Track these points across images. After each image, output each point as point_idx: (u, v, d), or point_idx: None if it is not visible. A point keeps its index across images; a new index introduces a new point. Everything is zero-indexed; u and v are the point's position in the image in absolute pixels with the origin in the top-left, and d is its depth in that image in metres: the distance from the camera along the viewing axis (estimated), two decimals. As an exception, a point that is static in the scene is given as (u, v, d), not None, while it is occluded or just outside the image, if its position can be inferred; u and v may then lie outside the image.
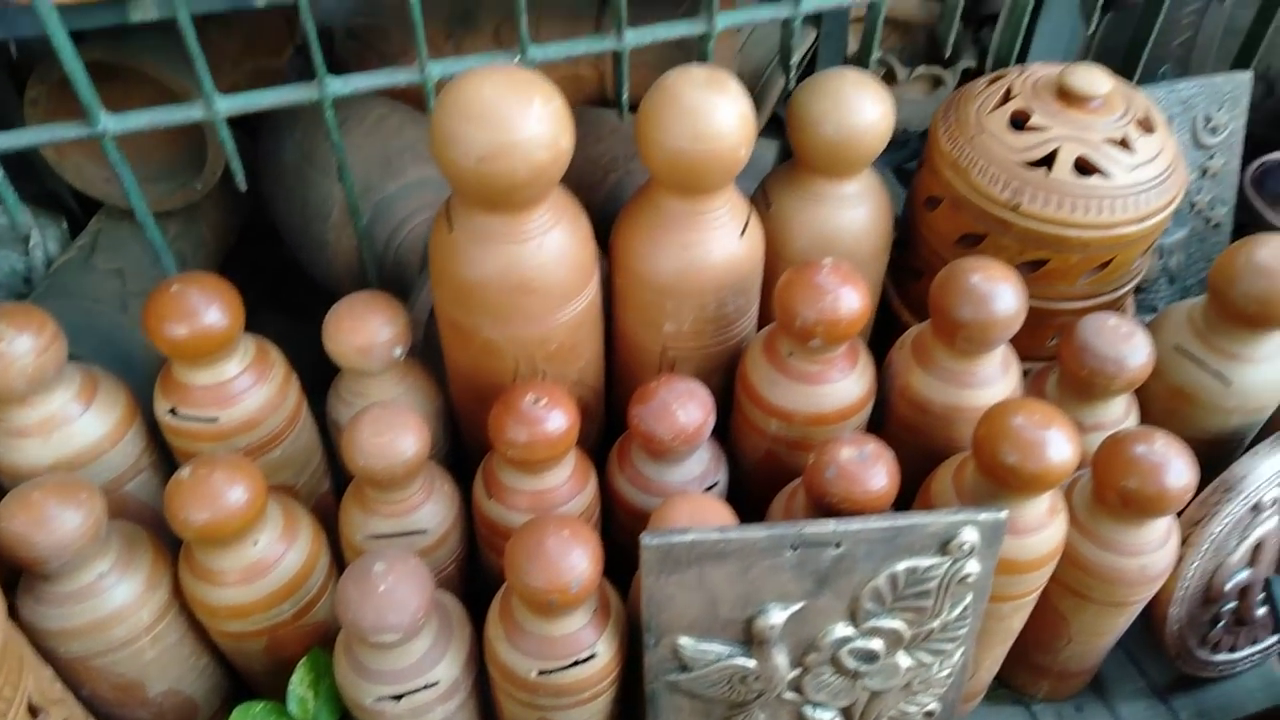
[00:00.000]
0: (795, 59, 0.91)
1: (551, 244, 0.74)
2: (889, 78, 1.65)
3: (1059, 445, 0.67)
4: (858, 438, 0.72)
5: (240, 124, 1.34)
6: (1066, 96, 0.82)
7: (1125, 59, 1.05)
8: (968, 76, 1.61)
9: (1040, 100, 0.83)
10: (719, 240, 0.79)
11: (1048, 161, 0.81)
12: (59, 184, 1.14)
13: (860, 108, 0.81)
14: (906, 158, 1.84)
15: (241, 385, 0.78)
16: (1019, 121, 0.84)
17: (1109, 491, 0.73)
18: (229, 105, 0.76)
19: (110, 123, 0.74)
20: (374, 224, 1.11)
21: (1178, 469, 0.71)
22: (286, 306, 1.28)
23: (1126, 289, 0.90)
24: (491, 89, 0.67)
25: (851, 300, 0.74)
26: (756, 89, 1.56)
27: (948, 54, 0.94)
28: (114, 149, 0.76)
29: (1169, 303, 1.13)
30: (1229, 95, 1.06)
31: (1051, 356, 0.92)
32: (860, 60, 0.96)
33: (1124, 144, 0.81)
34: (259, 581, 0.73)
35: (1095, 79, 0.81)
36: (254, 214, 1.30)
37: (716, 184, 0.76)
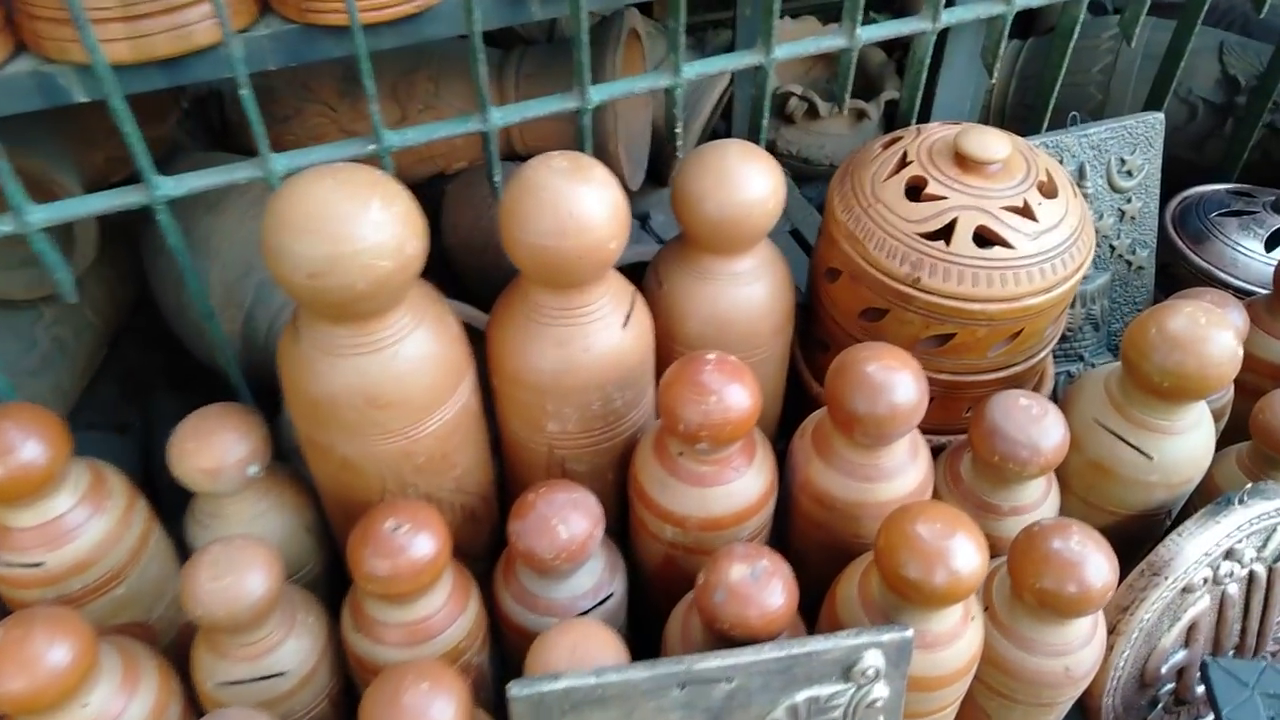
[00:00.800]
0: (679, 127, 0.85)
1: (409, 352, 0.68)
2: (811, 112, 1.60)
3: (965, 555, 0.62)
4: (750, 552, 0.66)
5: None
6: (963, 162, 0.77)
7: (1034, 104, 1.01)
8: (892, 108, 1.57)
9: (937, 166, 0.78)
10: (599, 334, 0.72)
11: (947, 233, 0.76)
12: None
13: (745, 184, 0.75)
14: (834, 194, 1.80)
15: (73, 522, 0.70)
16: (916, 189, 0.78)
17: (1025, 591, 0.67)
18: (44, 216, 0.68)
19: (35, 216, 0.65)
20: (255, 308, 1.04)
21: (1096, 566, 0.66)
22: (187, 383, 1.19)
23: (1041, 355, 0.85)
24: (322, 195, 0.61)
25: (739, 399, 0.68)
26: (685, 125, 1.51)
27: (843, 110, 0.89)
28: (41, 241, 0.67)
29: (1095, 351, 1.09)
30: (1142, 137, 1.02)
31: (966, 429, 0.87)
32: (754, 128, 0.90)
33: (1025, 211, 0.76)
34: (92, 747, 0.65)
35: (991, 143, 0.77)
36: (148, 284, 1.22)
37: (588, 279, 0.70)
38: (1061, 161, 1.00)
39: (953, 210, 0.76)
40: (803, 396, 0.94)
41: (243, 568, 0.66)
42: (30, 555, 0.68)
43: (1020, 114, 1.49)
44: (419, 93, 1.29)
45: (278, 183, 0.73)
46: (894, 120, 1.54)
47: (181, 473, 0.73)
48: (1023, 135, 1.01)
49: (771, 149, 1.70)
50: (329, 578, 0.85)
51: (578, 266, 0.68)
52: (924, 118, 1.00)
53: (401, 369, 0.67)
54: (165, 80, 0.71)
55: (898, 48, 1.74)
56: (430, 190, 1.29)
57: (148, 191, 0.70)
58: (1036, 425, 0.72)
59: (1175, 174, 1.15)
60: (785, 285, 0.84)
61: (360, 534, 0.67)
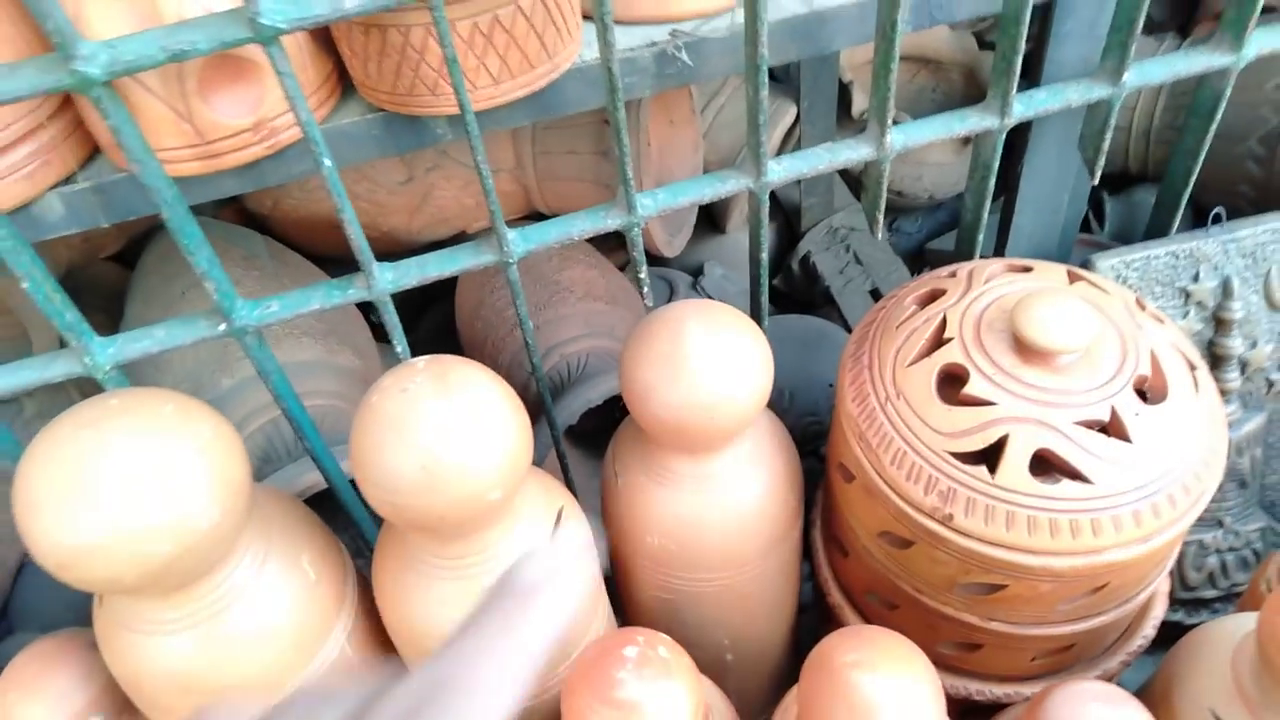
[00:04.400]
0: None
1: (236, 623, 0.51)
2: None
3: None
4: None
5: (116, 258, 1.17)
6: (1022, 348, 0.54)
7: (1159, 203, 0.74)
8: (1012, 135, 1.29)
9: (984, 349, 0.55)
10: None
11: (992, 455, 0.53)
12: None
13: (707, 377, 0.54)
14: (934, 230, 1.53)
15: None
16: (954, 380, 0.55)
17: None
18: None
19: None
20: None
21: None
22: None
23: (1141, 597, 0.61)
24: (76, 454, 0.45)
25: (665, 714, 0.48)
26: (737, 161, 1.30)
27: (876, 234, 0.66)
28: None
29: (1240, 515, 0.82)
30: (1319, 236, 0.74)
31: (1038, 674, 0.64)
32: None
33: (1114, 427, 0.52)
34: None
35: (1066, 323, 0.52)
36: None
37: (472, 531, 0.52)
38: (1198, 277, 0.73)
39: (1002, 423, 0.52)
40: (823, 598, 0.72)
41: None
42: None
43: (1169, 154, 1.18)
44: (426, 150, 1.13)
45: (104, 376, 0.57)
46: (1012, 153, 1.26)
47: (5, 728, 0.60)
48: (1155, 227, 0.75)
49: (859, 183, 1.45)
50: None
51: (446, 523, 0.50)
52: (1005, 223, 0.74)
53: (225, 647, 0.51)
54: None
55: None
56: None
57: (87, 360, 0.55)
58: (1116, 750, 0.49)
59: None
60: (783, 486, 0.63)
61: None
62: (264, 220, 1.16)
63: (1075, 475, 0.52)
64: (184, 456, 0.46)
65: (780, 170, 0.61)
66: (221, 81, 0.53)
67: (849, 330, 1.22)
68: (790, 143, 1.31)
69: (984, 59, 1.41)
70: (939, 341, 0.57)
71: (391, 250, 1.14)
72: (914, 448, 0.54)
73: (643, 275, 0.64)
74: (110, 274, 1.21)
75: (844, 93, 1.32)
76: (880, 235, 0.66)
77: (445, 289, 1.28)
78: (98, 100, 0.46)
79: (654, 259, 1.27)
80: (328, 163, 0.52)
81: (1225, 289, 0.73)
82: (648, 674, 0.49)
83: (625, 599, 0.70)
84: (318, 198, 1.11)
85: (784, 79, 1.35)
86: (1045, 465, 0.52)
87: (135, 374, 0.88)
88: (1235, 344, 0.75)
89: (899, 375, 0.56)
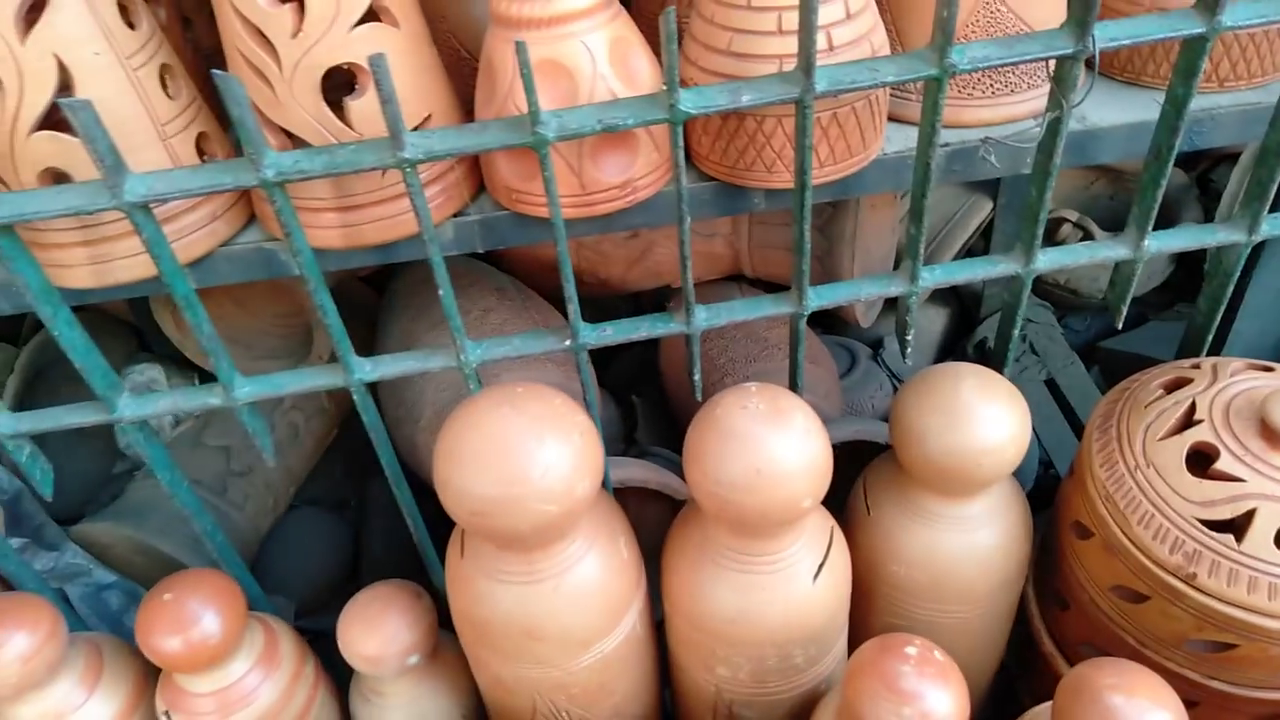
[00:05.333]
0: (909, 335, 0.74)
1: (571, 586, 0.62)
2: (1086, 240, 1.42)
3: None
4: None
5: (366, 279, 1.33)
6: (1272, 436, 0.61)
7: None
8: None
9: (1234, 433, 0.63)
10: (783, 586, 0.64)
11: (1240, 525, 0.60)
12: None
13: (980, 427, 0.64)
14: (1103, 331, 1.58)
15: (244, 689, 0.71)
16: (1204, 458, 0.63)
17: None
18: (250, 391, 0.69)
19: (241, 391, 0.69)
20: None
21: None
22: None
23: (1360, 677, 0.66)
24: (494, 429, 0.57)
25: (941, 709, 0.57)
26: (942, 243, 1.39)
27: (1119, 325, 0.74)
28: (247, 414, 0.71)
29: None
30: None
31: (1245, 740, 0.69)
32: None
33: (1356, 511, 0.59)
34: None
35: (1316, 416, 0.60)
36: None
37: (777, 530, 0.62)
38: None
39: (1251, 499, 0.60)
40: (1030, 648, 0.79)
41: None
42: (201, 718, 0.70)
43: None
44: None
45: (471, 372, 0.70)
46: (1188, 256, 1.32)
47: (346, 654, 0.72)
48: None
49: (1039, 279, 1.53)
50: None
51: (764, 521, 0.60)
52: (1221, 333, 0.82)
53: (561, 604, 0.62)
54: (375, 260, 0.70)
55: (1203, 161, 1.51)
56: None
57: (345, 375, 0.69)
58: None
59: None
60: (1021, 533, 0.71)
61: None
62: (499, 258, 1.30)
63: (1317, 551, 0.58)
64: (572, 438, 0.58)
65: (1045, 260, 0.70)
66: (607, 148, 0.66)
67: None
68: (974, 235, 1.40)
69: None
70: (1189, 422, 0.65)
71: (602, 295, 1.26)
72: (1162, 511, 0.62)
73: (909, 338, 0.74)
74: (359, 291, 1.36)
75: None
76: (1120, 323, 0.75)
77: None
78: (544, 156, 0.59)
79: (840, 328, 1.37)
80: (688, 220, 0.64)
81: None
82: (928, 671, 0.57)
83: (857, 624, 0.78)
84: (546, 244, 1.25)
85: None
86: (1288, 541, 0.59)
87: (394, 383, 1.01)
88: None
89: (1149, 447, 0.64)
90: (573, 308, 0.68)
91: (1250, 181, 0.69)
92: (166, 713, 0.71)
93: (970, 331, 1.45)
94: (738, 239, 1.23)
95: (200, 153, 0.68)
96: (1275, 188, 0.67)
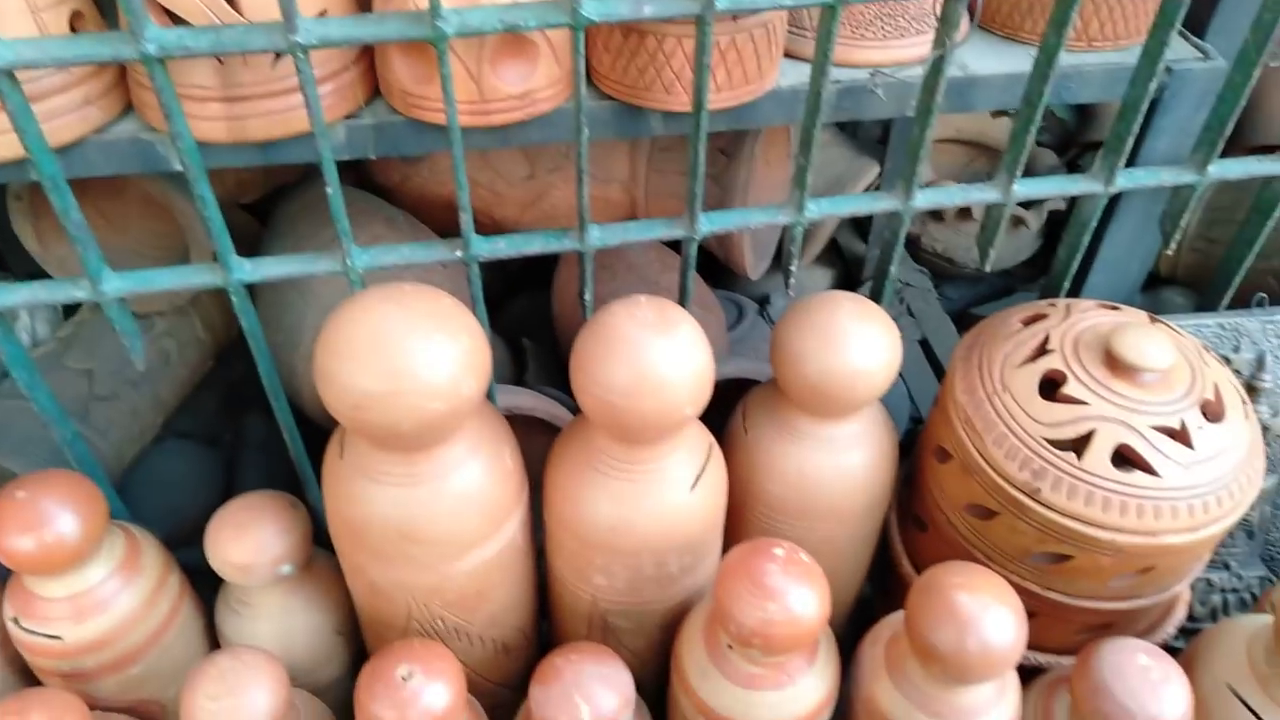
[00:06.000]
0: (794, 265, 0.77)
1: (452, 488, 0.63)
2: (964, 212, 1.49)
3: None
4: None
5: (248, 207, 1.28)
6: (1114, 364, 0.67)
7: (1213, 283, 0.88)
8: (1056, 216, 1.44)
9: (1081, 362, 0.68)
10: (662, 494, 0.66)
11: (1080, 444, 0.65)
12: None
13: (855, 349, 0.67)
14: (974, 300, 1.67)
15: (101, 595, 0.68)
16: (1052, 385, 0.68)
17: None
18: (119, 285, 0.66)
19: (110, 285, 0.65)
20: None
21: None
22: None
23: (1175, 590, 0.73)
24: (378, 324, 0.56)
25: (806, 609, 0.60)
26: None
27: (986, 268, 0.79)
28: (116, 311, 0.67)
29: (1245, 562, 0.94)
30: (1342, 331, 0.88)
31: (1078, 648, 0.76)
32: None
33: (1181, 434, 0.65)
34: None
35: (1152, 348, 0.65)
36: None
37: (658, 439, 0.64)
38: (1238, 349, 0.87)
39: (1092, 420, 0.65)
40: (890, 572, 0.84)
41: (245, 688, 0.62)
42: (51, 626, 0.67)
43: (1199, 260, 1.33)
44: (551, 150, 1.25)
45: (357, 279, 0.69)
46: (1055, 232, 1.39)
47: (214, 562, 0.71)
48: (1197, 303, 0.88)
49: (915, 244, 1.60)
50: (351, 681, 0.81)
51: (646, 426, 0.61)
52: (1078, 282, 0.88)
53: (440, 507, 0.62)
54: (260, 159, 0.68)
55: (1073, 148, 1.61)
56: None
57: (224, 274, 0.67)
58: (1154, 694, 0.61)
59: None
60: (887, 457, 0.75)
61: (368, 678, 0.62)
62: (389, 193, 1.27)
63: (1146, 469, 0.64)
64: (460, 337, 0.58)
65: (924, 199, 0.74)
66: (507, 54, 0.66)
67: (899, 375, 1.34)
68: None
69: (1038, 153, 1.57)
70: (1041, 352, 0.69)
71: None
72: (1014, 432, 0.67)
73: (794, 268, 0.77)
74: (240, 219, 1.31)
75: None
76: (989, 266, 0.79)
77: (531, 283, 1.41)
78: (441, 54, 0.58)
79: (731, 281, 1.40)
80: (586, 133, 0.65)
81: (1260, 362, 0.87)
82: (793, 571, 0.60)
83: (730, 541, 0.81)
84: (442, 179, 1.23)
85: (860, 137, 1.50)
86: (1122, 460, 0.65)
87: (299, 279, 0.98)
88: (1262, 410, 0.88)
89: (1006, 374, 0.69)
90: (465, 217, 0.68)
91: (1110, 135, 0.74)
92: (15, 619, 0.68)
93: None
94: (635, 187, 1.24)
95: (73, 31, 0.64)
96: (1131, 142, 0.73)
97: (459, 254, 0.70)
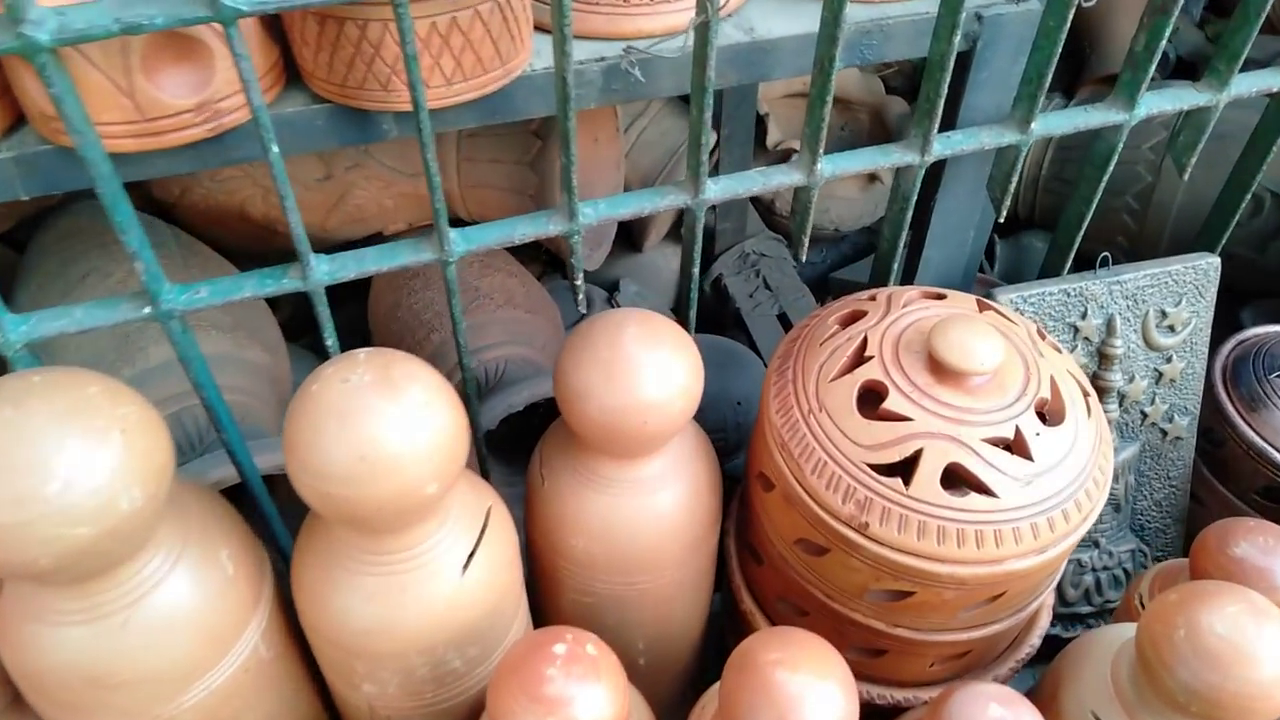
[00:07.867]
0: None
1: (148, 617, 0.50)
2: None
3: None
4: None
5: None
6: (937, 368, 0.57)
7: (1053, 246, 0.80)
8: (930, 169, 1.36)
9: (902, 368, 0.58)
10: (425, 585, 0.54)
11: (907, 468, 0.56)
12: None
13: (642, 379, 0.56)
14: (837, 261, 1.60)
15: None
16: (875, 397, 0.59)
17: None
18: None
19: None
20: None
21: None
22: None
23: (1030, 609, 0.65)
24: (2, 434, 0.43)
25: (591, 711, 0.49)
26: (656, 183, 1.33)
27: (801, 258, 0.70)
28: None
29: (1114, 536, 0.88)
30: (1191, 285, 0.81)
31: (936, 680, 0.68)
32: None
33: (1017, 445, 0.56)
34: None
35: (977, 344, 0.56)
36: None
37: (402, 525, 0.52)
38: (1086, 314, 0.79)
39: (917, 439, 0.56)
40: (733, 609, 0.75)
41: None
42: None
43: (1055, 201, 1.27)
44: (348, 149, 1.11)
45: (14, 355, 0.54)
46: (925, 191, 1.31)
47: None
48: (1049, 267, 0.81)
49: (769, 210, 1.50)
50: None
51: (382, 517, 0.50)
52: (913, 260, 0.79)
53: (135, 641, 0.50)
54: None
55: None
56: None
57: None
58: (1009, 747, 0.53)
59: (1232, 276, 0.93)
60: (704, 489, 0.65)
61: None
62: (169, 209, 1.12)
63: (982, 489, 0.55)
64: (109, 438, 0.45)
65: (717, 189, 0.63)
66: (168, 59, 0.52)
67: (756, 351, 1.25)
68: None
69: (890, 101, 1.49)
70: (860, 359, 0.60)
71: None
72: (834, 458, 0.57)
73: (579, 283, 0.65)
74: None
75: (760, 124, 1.37)
76: (804, 256, 0.70)
77: (353, 292, 1.26)
78: (42, 67, 0.44)
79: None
80: (275, 149, 0.51)
81: (1109, 327, 0.80)
82: (576, 671, 0.49)
83: (545, 602, 0.71)
84: (229, 188, 1.08)
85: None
86: (954, 479, 0.56)
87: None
88: (1116, 378, 0.81)
89: (822, 389, 0.59)
90: (300, 235, 0.54)
91: (920, 98, 0.64)
92: None
93: (705, 269, 1.41)
94: (446, 179, 1.11)
95: None
96: (942, 104, 0.64)
97: (147, 310, 0.56)
